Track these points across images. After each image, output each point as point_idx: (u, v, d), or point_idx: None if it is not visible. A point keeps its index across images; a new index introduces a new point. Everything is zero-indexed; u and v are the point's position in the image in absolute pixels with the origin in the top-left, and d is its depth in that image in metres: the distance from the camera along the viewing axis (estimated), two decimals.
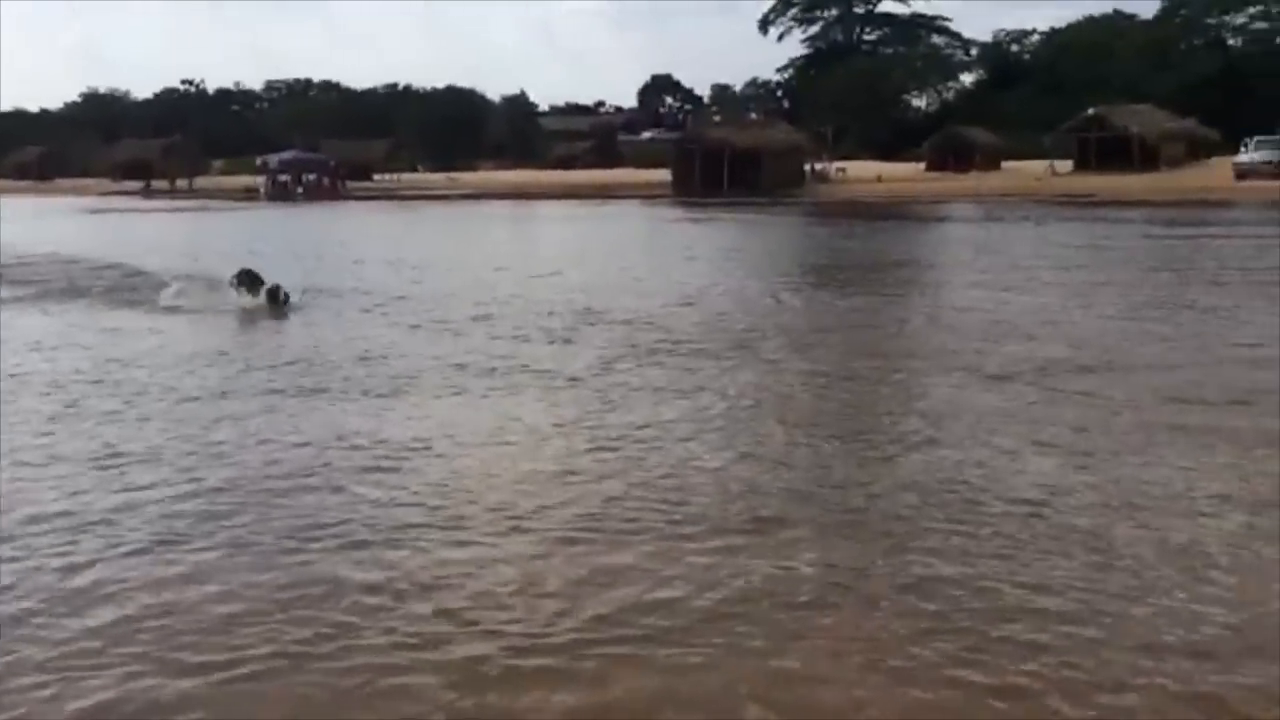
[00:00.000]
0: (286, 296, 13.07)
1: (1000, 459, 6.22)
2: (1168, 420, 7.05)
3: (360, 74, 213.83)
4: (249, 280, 13.31)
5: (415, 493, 5.79)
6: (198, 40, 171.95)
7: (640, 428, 7.07)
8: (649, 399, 7.97)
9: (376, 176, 78.36)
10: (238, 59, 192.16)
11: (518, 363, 9.50)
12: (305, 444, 6.74)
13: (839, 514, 5.38)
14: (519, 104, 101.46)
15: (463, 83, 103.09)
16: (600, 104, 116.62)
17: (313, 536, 5.10)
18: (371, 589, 4.51)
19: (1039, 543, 4.90)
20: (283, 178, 70.07)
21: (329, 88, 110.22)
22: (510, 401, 8.06)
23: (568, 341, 10.64)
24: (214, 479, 6.02)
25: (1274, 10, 69.83)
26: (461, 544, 5.04)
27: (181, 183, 76.13)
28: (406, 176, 79.93)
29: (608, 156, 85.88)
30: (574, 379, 8.77)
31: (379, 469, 6.21)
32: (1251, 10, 70.66)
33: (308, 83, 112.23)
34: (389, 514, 5.44)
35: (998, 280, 15.73)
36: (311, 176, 71.49)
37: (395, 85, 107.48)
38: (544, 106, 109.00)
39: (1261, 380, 8.25)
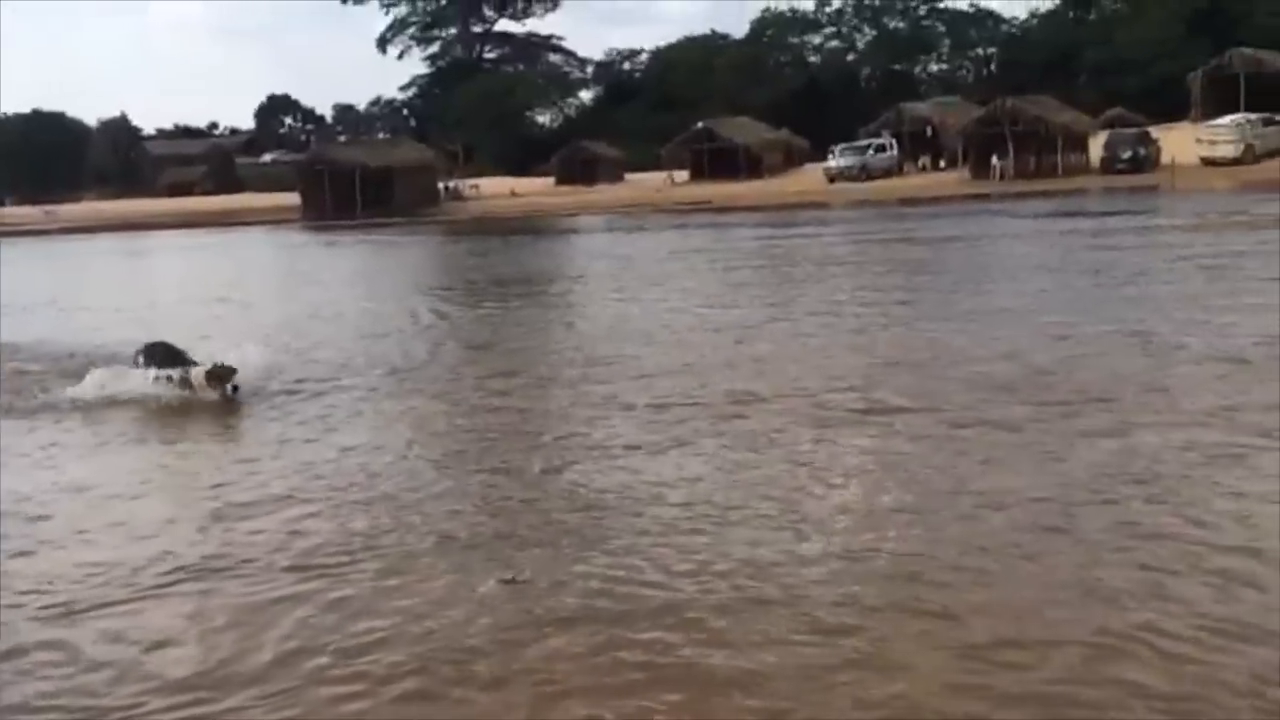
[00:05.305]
0: (235, 384, 8.81)
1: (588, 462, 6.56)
2: (729, 413, 7.69)
3: None
4: (168, 358, 9.24)
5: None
6: None
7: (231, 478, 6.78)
8: (231, 446, 7.74)
9: None
10: None
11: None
12: None
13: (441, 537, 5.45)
14: (120, 128, 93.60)
15: (50, 106, 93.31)
16: (214, 126, 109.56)
17: None
18: None
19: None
20: None
21: None
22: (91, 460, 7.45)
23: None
24: None
25: (844, 31, 78.84)
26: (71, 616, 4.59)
27: None
28: None
29: (226, 181, 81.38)
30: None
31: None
32: (826, 31, 79.28)
33: None
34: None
35: (613, 289, 16.58)
36: None
37: None
38: (150, 130, 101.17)
39: (840, 371, 9.24)
